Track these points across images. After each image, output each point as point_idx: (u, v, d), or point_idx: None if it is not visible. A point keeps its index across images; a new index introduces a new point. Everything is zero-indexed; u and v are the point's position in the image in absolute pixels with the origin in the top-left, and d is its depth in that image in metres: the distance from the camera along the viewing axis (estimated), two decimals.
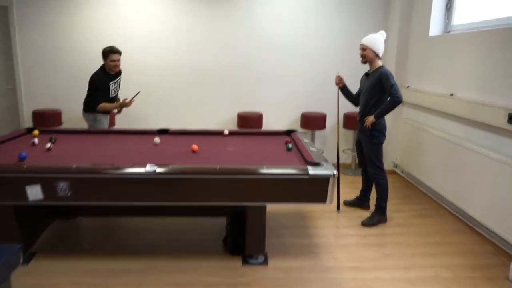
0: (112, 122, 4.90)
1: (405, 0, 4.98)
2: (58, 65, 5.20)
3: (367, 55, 3.64)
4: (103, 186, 2.63)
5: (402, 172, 5.21)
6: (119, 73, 4.36)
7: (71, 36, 5.12)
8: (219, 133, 3.92)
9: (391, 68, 5.15)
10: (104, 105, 4.19)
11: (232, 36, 5.31)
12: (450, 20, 4.46)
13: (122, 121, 5.21)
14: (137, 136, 3.83)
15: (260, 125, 5.30)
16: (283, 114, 5.55)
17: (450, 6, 4.44)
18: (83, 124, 5.00)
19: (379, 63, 3.67)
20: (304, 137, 3.68)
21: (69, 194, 2.62)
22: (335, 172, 2.63)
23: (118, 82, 4.36)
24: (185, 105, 5.46)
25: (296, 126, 5.49)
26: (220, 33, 5.30)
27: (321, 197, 2.65)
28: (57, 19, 5.09)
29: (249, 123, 5.23)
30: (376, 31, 5.16)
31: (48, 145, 3.21)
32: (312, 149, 3.17)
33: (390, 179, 5.09)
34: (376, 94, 3.63)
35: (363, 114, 3.76)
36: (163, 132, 3.95)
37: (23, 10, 5.04)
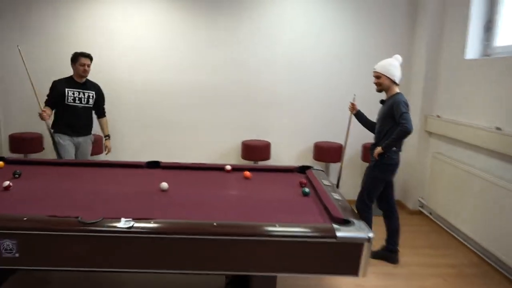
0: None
1: (435, 19, 4.40)
2: (40, 83, 4.61)
3: (382, 83, 3.27)
4: (62, 247, 1.98)
5: (430, 213, 4.52)
6: (89, 86, 3.91)
7: (54, 52, 4.55)
8: (220, 169, 3.29)
9: (417, 94, 4.56)
10: (45, 108, 3.78)
11: (238, 54, 4.73)
12: (490, 41, 3.86)
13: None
14: (122, 170, 3.20)
15: (268, 156, 4.67)
16: (293, 143, 4.92)
17: (491, 26, 3.85)
18: None
19: (396, 90, 3.27)
20: (322, 177, 3.04)
21: (17, 255, 1.97)
22: (371, 234, 1.98)
23: (88, 95, 3.88)
24: (180, 132, 4.84)
25: (308, 157, 4.85)
26: (224, 51, 4.72)
27: (351, 268, 1.99)
28: (39, 34, 4.54)
29: (255, 153, 4.61)
30: (402, 52, 4.59)
31: (6, 183, 2.57)
32: (336, 197, 2.52)
33: (415, 221, 4.48)
34: (389, 123, 3.21)
35: (375, 144, 3.34)
36: (153, 165, 3.32)
37: (2, 23, 4.50)
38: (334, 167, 4.90)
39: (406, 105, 3.14)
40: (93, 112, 4.03)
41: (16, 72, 4.56)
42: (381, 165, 3.27)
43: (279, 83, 4.81)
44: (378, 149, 3.22)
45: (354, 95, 3.89)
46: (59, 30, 4.55)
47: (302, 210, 2.39)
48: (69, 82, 3.83)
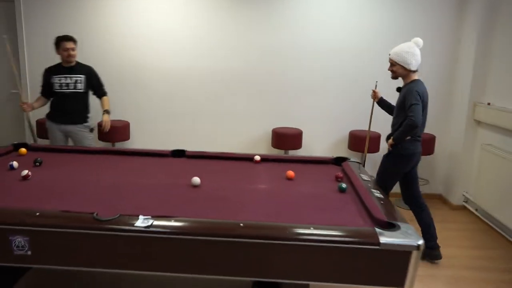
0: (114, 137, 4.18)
1: None
2: None
3: (396, 71, 3.02)
4: (76, 245, 1.83)
5: (476, 210, 4.16)
6: (78, 69, 3.68)
7: (82, 35, 4.42)
8: (248, 159, 3.07)
9: (465, 80, 4.17)
10: (38, 99, 3.79)
11: (269, 37, 4.45)
12: None
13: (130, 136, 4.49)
14: (146, 159, 3.04)
15: (299, 145, 4.41)
16: (327, 132, 4.64)
17: None
18: None
19: (413, 77, 3.02)
20: (360, 171, 2.76)
21: (29, 253, 1.84)
22: (421, 241, 1.71)
23: (76, 79, 3.65)
24: (208, 118, 4.65)
25: (343, 147, 4.57)
26: (255, 38, 4.45)
27: (396, 280, 1.74)
28: (67, 16, 4.42)
29: (285, 141, 4.36)
30: (448, 34, 4.22)
31: (25, 172, 2.46)
32: (377, 194, 2.25)
33: (458, 217, 4.15)
34: (403, 115, 2.97)
35: (391, 134, 3.15)
36: (178, 154, 3.15)
37: (31, 5, 4.40)
38: (371, 157, 4.60)
39: (417, 95, 2.86)
40: (88, 97, 3.80)
41: (46, 59, 4.47)
42: (394, 155, 3.12)
43: (312, 69, 4.51)
44: (390, 141, 3.10)
45: (376, 82, 3.76)
46: (92, 18, 4.43)
47: (338, 209, 2.14)
48: (56, 69, 3.67)
